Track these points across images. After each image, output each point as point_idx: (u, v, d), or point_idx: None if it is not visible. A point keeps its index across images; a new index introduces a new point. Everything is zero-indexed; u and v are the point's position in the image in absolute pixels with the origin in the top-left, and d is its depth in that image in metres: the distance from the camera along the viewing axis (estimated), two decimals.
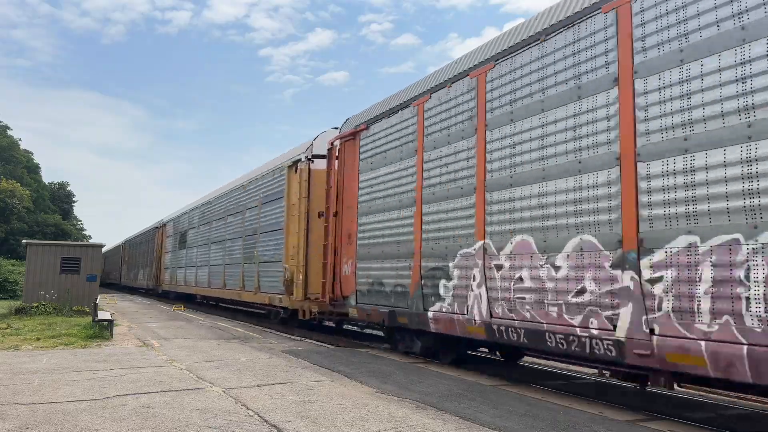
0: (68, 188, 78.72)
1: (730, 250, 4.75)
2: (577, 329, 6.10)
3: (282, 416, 5.40)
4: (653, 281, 5.35)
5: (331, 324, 14.81)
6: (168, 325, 14.96)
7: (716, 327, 4.81)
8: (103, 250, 46.49)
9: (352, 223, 11.02)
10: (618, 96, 5.90)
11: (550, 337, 6.45)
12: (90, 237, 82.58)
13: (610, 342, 5.74)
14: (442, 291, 8.33)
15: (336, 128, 12.98)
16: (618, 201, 5.76)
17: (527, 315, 6.76)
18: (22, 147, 68.83)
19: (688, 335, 5.02)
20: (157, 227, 32.07)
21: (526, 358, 9.81)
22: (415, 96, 9.47)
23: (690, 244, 5.06)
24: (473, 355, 10.14)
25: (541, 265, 6.58)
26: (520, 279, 6.88)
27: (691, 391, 6.96)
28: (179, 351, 9.96)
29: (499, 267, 7.23)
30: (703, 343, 4.89)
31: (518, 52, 7.35)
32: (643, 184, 5.54)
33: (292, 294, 13.52)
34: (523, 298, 6.83)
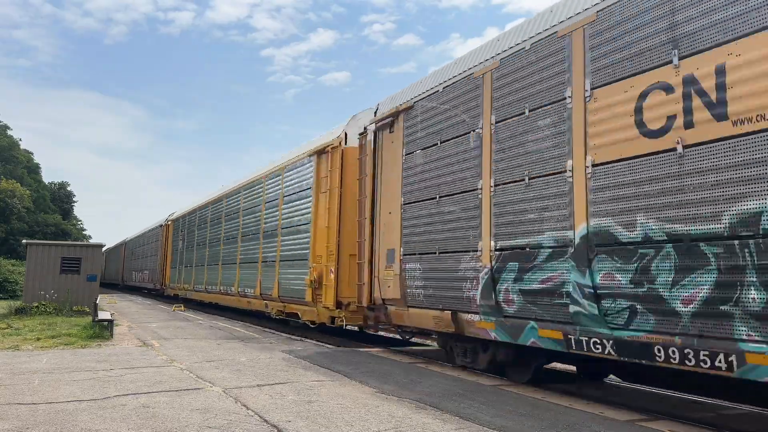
0: (68, 188, 78.72)
1: None
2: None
3: (282, 416, 5.40)
4: None
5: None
6: (168, 325, 14.96)
7: None
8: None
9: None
10: None
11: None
12: (90, 237, 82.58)
13: None
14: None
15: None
16: None
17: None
18: (22, 147, 68.88)
19: None
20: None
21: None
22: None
23: None
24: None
25: None
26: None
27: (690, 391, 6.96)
28: (179, 351, 9.96)
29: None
30: None
31: None
32: None
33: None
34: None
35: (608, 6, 6.24)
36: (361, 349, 10.85)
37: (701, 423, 5.76)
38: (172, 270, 28.03)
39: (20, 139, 69.24)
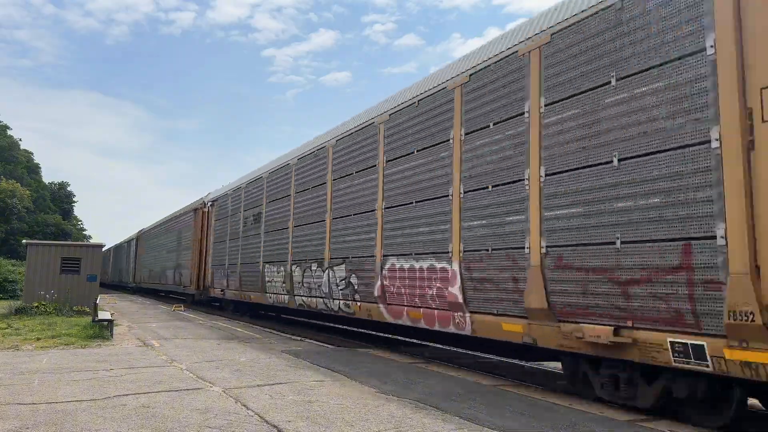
0: (68, 188, 78.74)
1: None
2: None
3: (282, 416, 5.40)
4: None
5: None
6: (168, 325, 14.95)
7: None
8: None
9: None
10: None
11: None
12: (90, 237, 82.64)
13: None
14: None
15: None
16: None
17: None
18: (22, 147, 68.99)
19: None
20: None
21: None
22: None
23: None
24: None
25: None
26: None
27: None
28: (179, 351, 9.96)
29: None
30: None
31: None
32: None
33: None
34: None
35: None
36: (361, 349, 10.85)
37: (701, 423, 5.75)
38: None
39: (20, 139, 69.38)
